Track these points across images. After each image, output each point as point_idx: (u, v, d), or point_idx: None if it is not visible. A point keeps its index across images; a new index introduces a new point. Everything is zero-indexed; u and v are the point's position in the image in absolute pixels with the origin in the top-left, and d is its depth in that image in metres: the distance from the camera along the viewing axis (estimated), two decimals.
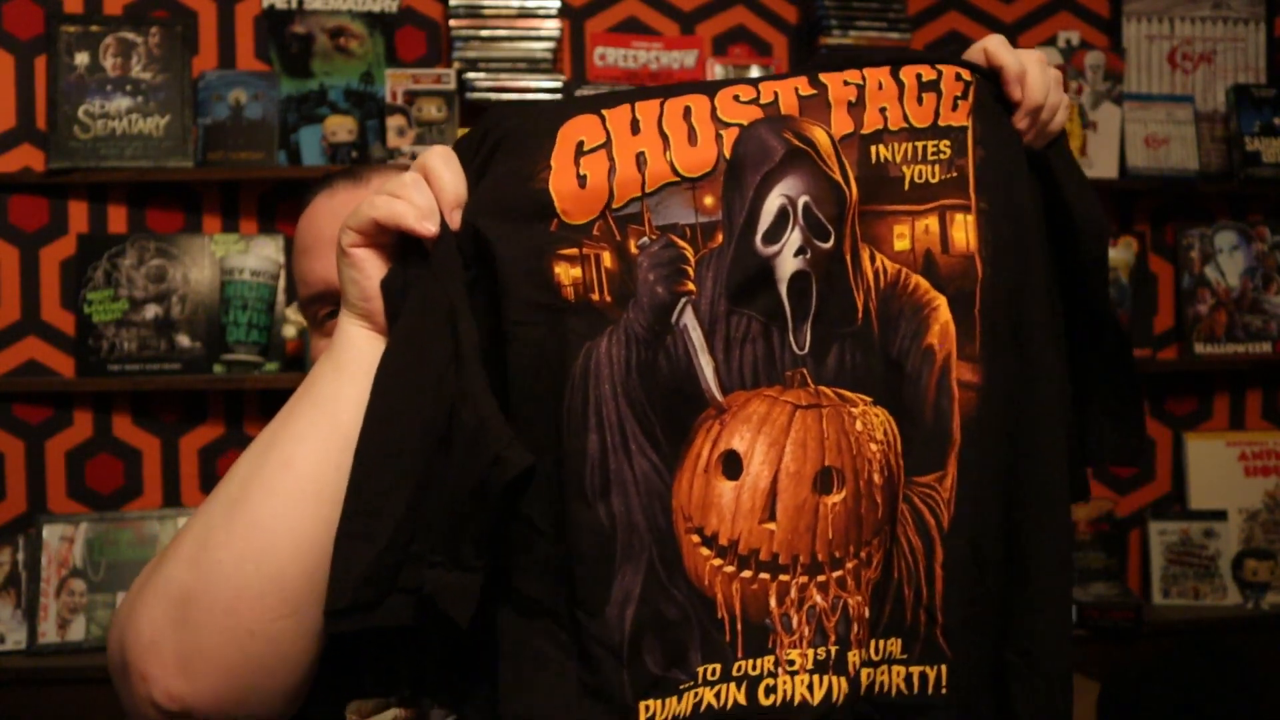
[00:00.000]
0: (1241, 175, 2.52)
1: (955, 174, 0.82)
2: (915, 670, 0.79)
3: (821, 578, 0.77)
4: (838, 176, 0.80)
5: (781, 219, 0.78)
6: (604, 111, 0.78)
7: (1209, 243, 2.61)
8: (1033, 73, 0.84)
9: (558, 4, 2.31)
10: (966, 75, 0.83)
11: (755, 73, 2.43)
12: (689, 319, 0.77)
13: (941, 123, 0.82)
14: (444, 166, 0.76)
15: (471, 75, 2.27)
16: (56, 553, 2.13)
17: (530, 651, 0.74)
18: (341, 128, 2.23)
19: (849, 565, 0.78)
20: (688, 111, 0.78)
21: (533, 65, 2.29)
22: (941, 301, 0.82)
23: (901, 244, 0.82)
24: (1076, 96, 2.45)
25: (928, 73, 0.82)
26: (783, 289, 0.78)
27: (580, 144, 0.77)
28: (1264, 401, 2.66)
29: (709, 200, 0.77)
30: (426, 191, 0.76)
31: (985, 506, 0.81)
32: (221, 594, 0.71)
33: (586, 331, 0.75)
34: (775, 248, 0.78)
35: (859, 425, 0.79)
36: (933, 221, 0.82)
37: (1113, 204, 2.63)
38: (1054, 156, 0.88)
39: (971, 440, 0.81)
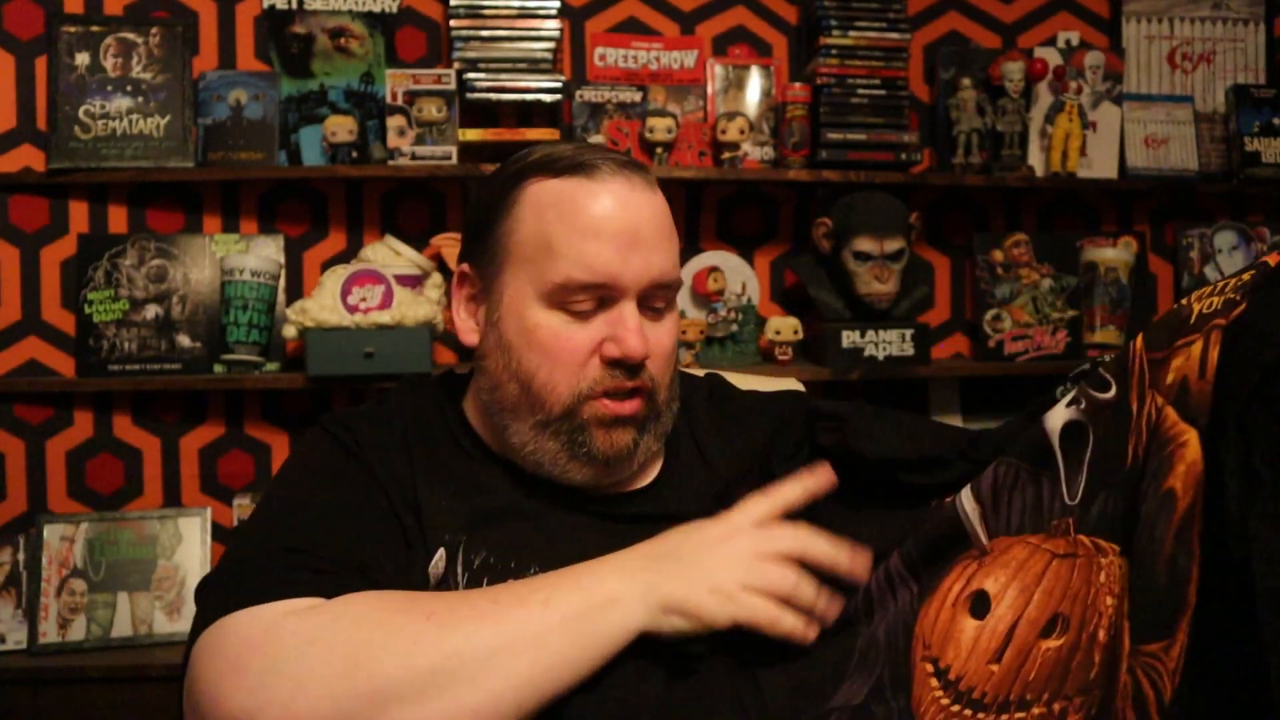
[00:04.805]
0: (1241, 175, 2.52)
1: (1236, 296, 0.71)
2: None
3: (1005, 717, 0.75)
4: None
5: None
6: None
7: (1209, 243, 2.60)
8: None
9: (558, 4, 2.30)
10: (1274, 261, 0.71)
11: (755, 72, 2.44)
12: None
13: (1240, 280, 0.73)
14: (828, 552, 0.85)
15: (471, 75, 2.27)
16: (57, 553, 2.13)
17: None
18: (342, 128, 2.22)
19: (1035, 710, 0.74)
20: None
21: (533, 65, 2.29)
22: (1191, 436, 0.70)
23: (1172, 377, 0.72)
24: (1076, 97, 2.45)
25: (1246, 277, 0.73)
26: (1054, 440, 0.78)
27: None
28: None
29: None
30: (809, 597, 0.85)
31: (1219, 678, 0.68)
32: None
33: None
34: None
35: (1103, 576, 0.74)
36: (1197, 345, 0.71)
37: (1112, 204, 2.63)
38: None
39: (1207, 604, 0.68)
